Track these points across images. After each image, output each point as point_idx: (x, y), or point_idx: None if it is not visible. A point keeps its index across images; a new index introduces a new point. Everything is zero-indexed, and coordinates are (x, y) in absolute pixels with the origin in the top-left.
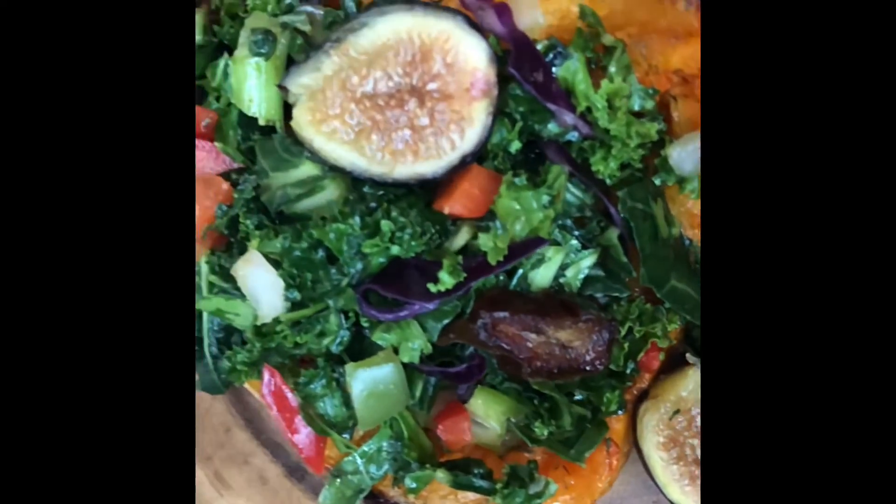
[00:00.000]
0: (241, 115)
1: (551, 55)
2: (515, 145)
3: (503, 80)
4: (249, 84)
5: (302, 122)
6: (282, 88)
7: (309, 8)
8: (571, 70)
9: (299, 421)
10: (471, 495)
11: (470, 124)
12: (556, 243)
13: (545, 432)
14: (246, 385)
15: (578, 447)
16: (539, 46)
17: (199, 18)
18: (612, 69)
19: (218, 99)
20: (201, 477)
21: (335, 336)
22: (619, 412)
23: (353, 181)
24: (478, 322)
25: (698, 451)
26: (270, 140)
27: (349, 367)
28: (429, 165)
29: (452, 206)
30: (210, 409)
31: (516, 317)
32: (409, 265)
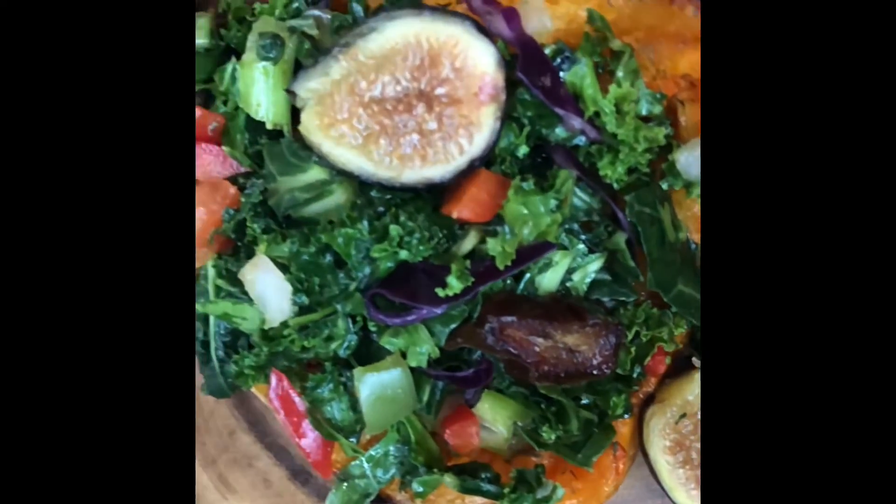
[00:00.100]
0: (249, 119)
1: (559, 59)
2: (523, 150)
3: (511, 84)
4: (257, 88)
5: (310, 126)
6: (290, 93)
7: (316, 12)
8: (579, 75)
9: (306, 425)
10: (478, 499)
11: (478, 129)
12: (563, 247)
13: (553, 437)
14: (252, 388)
15: (586, 451)
16: (547, 51)
17: (206, 22)
18: (620, 74)
19: (225, 103)
20: (205, 480)
21: (343, 340)
22: (626, 416)
23: (361, 185)
24: (485, 326)
25: None
26: (278, 144)
27: (357, 371)
28: (437, 170)
29: (461, 210)
30: (214, 412)
31: (524, 321)
32: (416, 269)
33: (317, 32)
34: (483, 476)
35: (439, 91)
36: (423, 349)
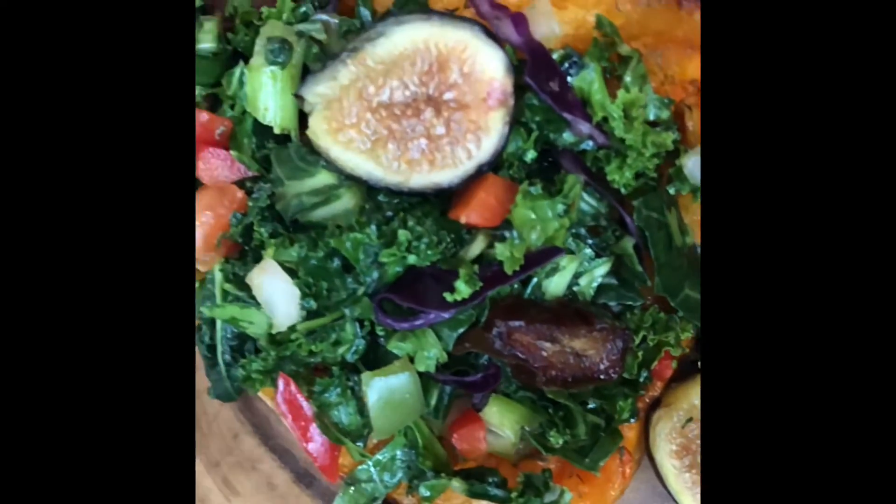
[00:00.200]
0: (256, 123)
1: (567, 64)
2: (531, 154)
3: (519, 89)
4: (265, 92)
5: (318, 131)
6: (298, 97)
7: (324, 16)
8: (587, 80)
9: (313, 429)
10: None
11: (486, 134)
12: (570, 252)
13: (560, 441)
14: (259, 392)
15: (593, 456)
16: (555, 56)
17: (213, 26)
18: (628, 79)
19: (232, 107)
20: (209, 483)
21: (350, 345)
22: (632, 420)
23: (369, 190)
24: (493, 331)
25: None
26: (286, 149)
27: (365, 375)
28: (445, 175)
29: (469, 215)
30: (218, 415)
31: (531, 326)
32: (424, 274)
33: (324, 37)
34: (490, 480)
35: (448, 96)
36: (431, 354)
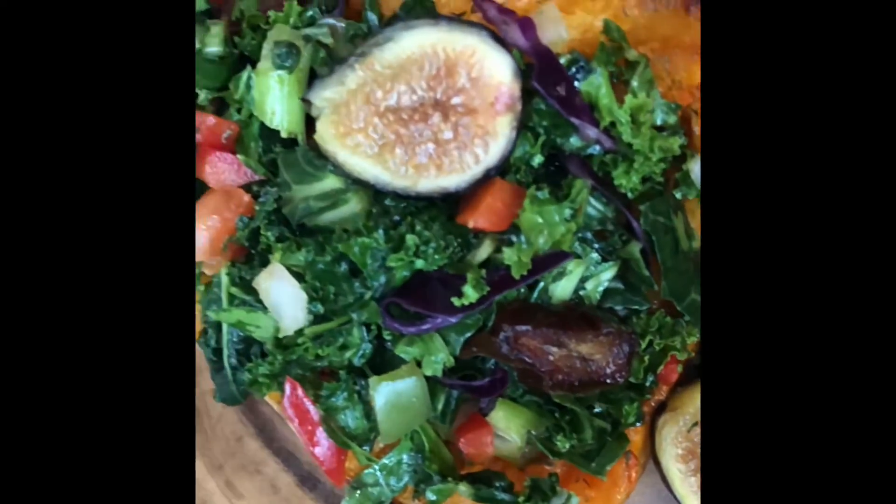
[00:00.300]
0: (263, 127)
1: (574, 69)
2: (538, 159)
3: (527, 94)
4: (272, 96)
5: (326, 135)
6: (305, 102)
7: (331, 20)
8: (595, 84)
9: (320, 433)
10: None
11: (494, 138)
12: (576, 256)
13: (567, 445)
14: (265, 396)
15: (600, 460)
16: (562, 60)
17: (220, 30)
18: (635, 84)
19: (239, 111)
20: (212, 486)
21: (357, 349)
22: (637, 424)
23: (376, 194)
24: (500, 335)
25: None
26: (293, 153)
27: (373, 380)
28: (452, 179)
29: (477, 219)
30: (222, 418)
31: (538, 330)
32: (431, 278)
33: (331, 41)
34: (497, 485)
35: (455, 101)
36: (439, 358)
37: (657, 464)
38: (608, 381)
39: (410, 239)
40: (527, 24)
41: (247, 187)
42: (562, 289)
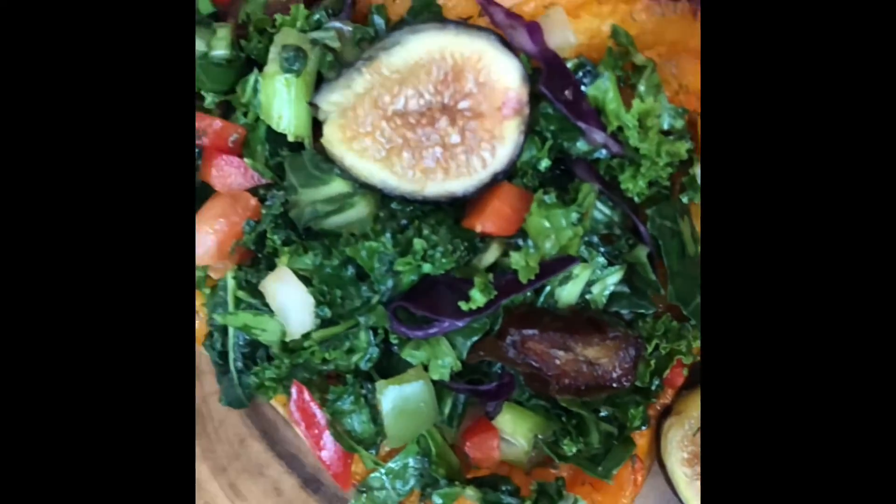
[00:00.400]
0: (269, 130)
1: (581, 73)
2: (545, 163)
3: (534, 98)
4: (279, 100)
5: (333, 139)
6: (313, 105)
7: (338, 24)
8: (602, 89)
9: (326, 437)
10: None
11: (501, 142)
12: (583, 260)
13: (573, 449)
14: (272, 400)
15: (606, 464)
16: (569, 65)
17: (227, 33)
18: (642, 88)
19: (246, 114)
20: (216, 488)
21: (364, 353)
22: (643, 428)
23: (382, 198)
24: (507, 339)
25: None
26: (300, 156)
27: (380, 384)
28: (460, 183)
29: (484, 224)
30: (225, 421)
31: (545, 334)
32: (438, 282)
33: (338, 45)
34: (504, 489)
35: (463, 105)
36: (445, 362)
37: (662, 467)
38: (614, 384)
39: (418, 243)
40: (534, 29)
41: (253, 191)
42: (568, 293)
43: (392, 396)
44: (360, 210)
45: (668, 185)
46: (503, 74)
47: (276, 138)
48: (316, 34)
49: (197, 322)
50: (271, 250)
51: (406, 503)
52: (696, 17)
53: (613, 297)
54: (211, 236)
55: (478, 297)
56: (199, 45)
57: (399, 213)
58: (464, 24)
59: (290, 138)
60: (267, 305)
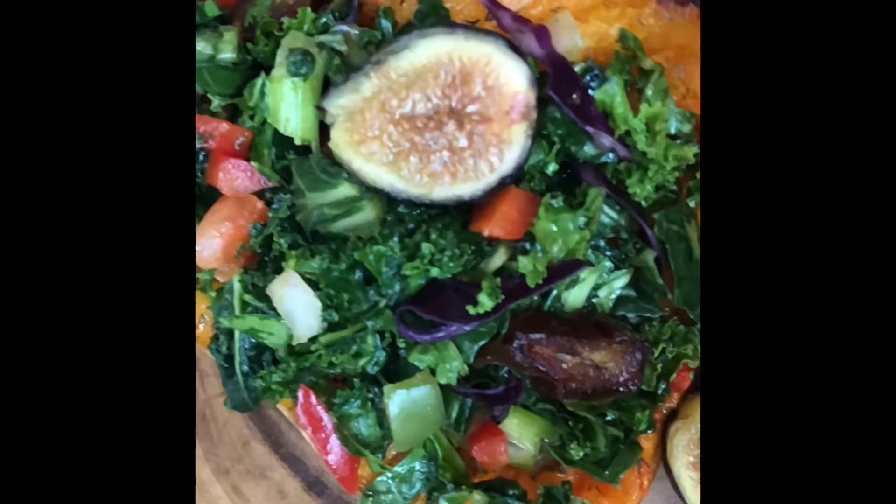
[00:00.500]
0: (276, 134)
1: (589, 78)
2: (552, 167)
3: (542, 102)
4: (286, 104)
5: (340, 143)
6: (320, 109)
7: (345, 27)
8: (610, 93)
9: (333, 440)
10: None
11: (509, 146)
12: (589, 264)
13: (580, 453)
14: (279, 404)
15: (613, 468)
16: (576, 69)
17: (233, 36)
18: (650, 92)
19: (252, 117)
20: (219, 491)
21: (371, 357)
22: (649, 431)
23: (390, 202)
24: (514, 343)
25: None
26: (307, 160)
27: (387, 388)
28: (467, 187)
29: (492, 228)
30: (228, 423)
31: (552, 338)
32: (446, 286)
33: (345, 48)
34: (510, 493)
35: (470, 109)
36: (453, 366)
37: (669, 471)
38: (621, 388)
39: (426, 247)
40: (542, 33)
41: (260, 194)
42: (575, 296)
43: (399, 400)
44: (367, 214)
45: (676, 189)
46: (511, 78)
47: (282, 142)
48: (323, 37)
49: (202, 325)
50: (278, 254)
51: None
52: None
53: (620, 300)
54: (217, 239)
55: (485, 301)
56: (206, 49)
57: (407, 216)
58: (472, 27)
59: (297, 142)
60: (273, 309)
